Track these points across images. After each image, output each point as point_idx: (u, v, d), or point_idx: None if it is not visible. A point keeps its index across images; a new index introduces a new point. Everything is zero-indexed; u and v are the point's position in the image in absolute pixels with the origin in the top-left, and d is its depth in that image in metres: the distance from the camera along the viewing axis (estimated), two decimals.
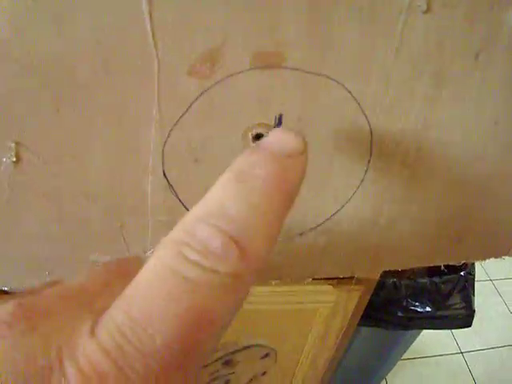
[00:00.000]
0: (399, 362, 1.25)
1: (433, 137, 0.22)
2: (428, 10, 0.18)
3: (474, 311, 0.96)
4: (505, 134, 0.23)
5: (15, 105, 0.19)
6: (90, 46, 0.17)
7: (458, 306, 0.97)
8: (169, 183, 0.21)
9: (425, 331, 1.08)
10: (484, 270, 1.79)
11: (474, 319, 1.05)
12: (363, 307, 0.76)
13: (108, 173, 0.21)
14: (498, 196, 0.25)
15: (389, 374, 1.27)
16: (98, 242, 0.24)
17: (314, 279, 0.68)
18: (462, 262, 0.30)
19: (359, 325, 0.88)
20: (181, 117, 0.19)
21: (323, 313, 0.70)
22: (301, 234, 0.25)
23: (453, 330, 1.58)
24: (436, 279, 0.95)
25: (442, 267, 0.30)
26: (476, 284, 1.63)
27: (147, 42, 0.17)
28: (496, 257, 0.30)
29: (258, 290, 0.59)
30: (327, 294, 0.65)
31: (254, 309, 0.61)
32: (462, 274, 0.95)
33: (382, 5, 0.18)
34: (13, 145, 0.20)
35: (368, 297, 0.76)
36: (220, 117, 0.19)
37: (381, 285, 0.91)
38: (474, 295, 0.97)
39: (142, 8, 0.16)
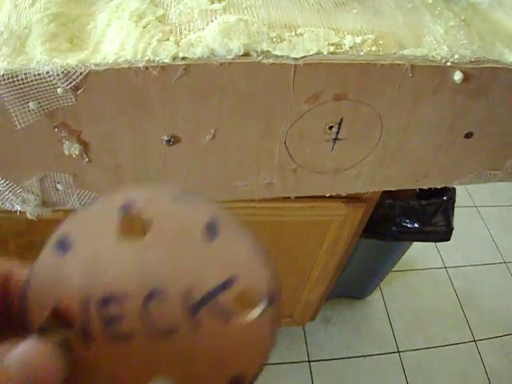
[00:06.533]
0: (392, 273, 1.40)
1: (409, 131, 0.44)
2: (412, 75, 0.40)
3: (453, 228, 1.11)
4: (436, 135, 0.46)
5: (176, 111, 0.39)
6: (268, 92, 0.39)
7: (440, 223, 1.09)
8: (286, 148, 0.44)
9: (415, 247, 1.21)
10: (470, 197, 1.94)
11: (458, 238, 1.16)
12: (365, 220, 0.94)
13: (258, 140, 0.43)
14: (444, 156, 0.48)
15: (382, 283, 1.46)
16: (242, 174, 0.47)
17: (329, 197, 0.89)
18: (429, 187, 0.53)
19: (362, 237, 1.04)
20: (298, 119, 0.41)
21: (335, 224, 0.89)
22: (345, 169, 0.48)
23: (439, 248, 1.72)
24: (423, 202, 1.06)
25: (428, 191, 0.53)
26: (461, 209, 1.82)
27: (289, 94, 0.39)
28: (448, 185, 0.53)
29: (284, 206, 0.77)
30: (339, 209, 0.83)
31: (281, 220, 0.81)
32: (444, 198, 1.07)
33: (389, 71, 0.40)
34: (166, 137, 0.40)
35: (369, 213, 0.94)
36: (315, 120, 0.42)
37: (379, 205, 1.03)
38: (453, 215, 1.10)
39: (290, 77, 0.38)
